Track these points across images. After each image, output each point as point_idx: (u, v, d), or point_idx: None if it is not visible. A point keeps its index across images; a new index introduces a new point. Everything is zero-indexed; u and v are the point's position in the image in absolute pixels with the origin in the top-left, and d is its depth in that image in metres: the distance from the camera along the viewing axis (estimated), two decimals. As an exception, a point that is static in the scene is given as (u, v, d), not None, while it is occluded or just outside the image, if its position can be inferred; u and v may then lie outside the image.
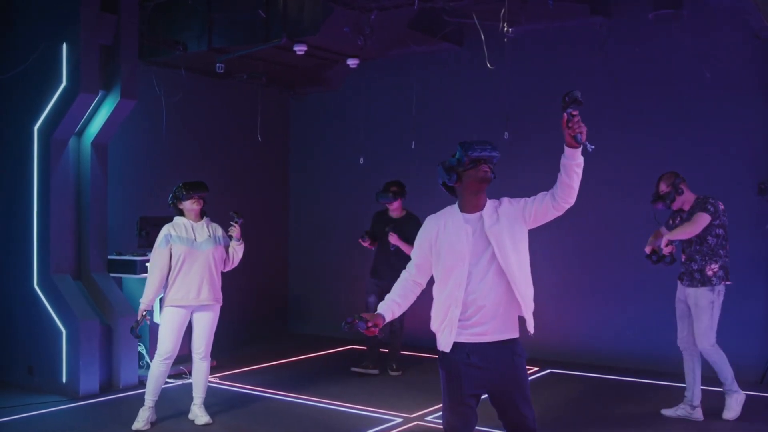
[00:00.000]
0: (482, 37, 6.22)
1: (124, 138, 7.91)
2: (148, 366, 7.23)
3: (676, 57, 7.65)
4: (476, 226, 3.55)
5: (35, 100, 7.01)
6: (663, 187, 6.00)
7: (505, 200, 3.65)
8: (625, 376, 7.33)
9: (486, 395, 3.64)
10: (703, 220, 5.75)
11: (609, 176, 7.93)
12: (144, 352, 7.33)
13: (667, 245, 5.77)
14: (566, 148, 3.33)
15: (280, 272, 10.30)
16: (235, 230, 5.80)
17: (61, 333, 6.87)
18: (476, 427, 3.66)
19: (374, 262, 7.55)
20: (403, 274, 3.80)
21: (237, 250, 5.86)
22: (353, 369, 7.50)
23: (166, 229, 5.65)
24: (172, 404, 6.33)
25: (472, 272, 3.50)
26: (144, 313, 5.62)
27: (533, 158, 7.95)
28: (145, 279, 7.11)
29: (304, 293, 10.22)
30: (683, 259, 6.00)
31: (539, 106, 8.30)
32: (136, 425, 5.70)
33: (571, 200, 3.45)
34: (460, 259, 3.51)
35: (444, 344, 3.57)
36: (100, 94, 6.97)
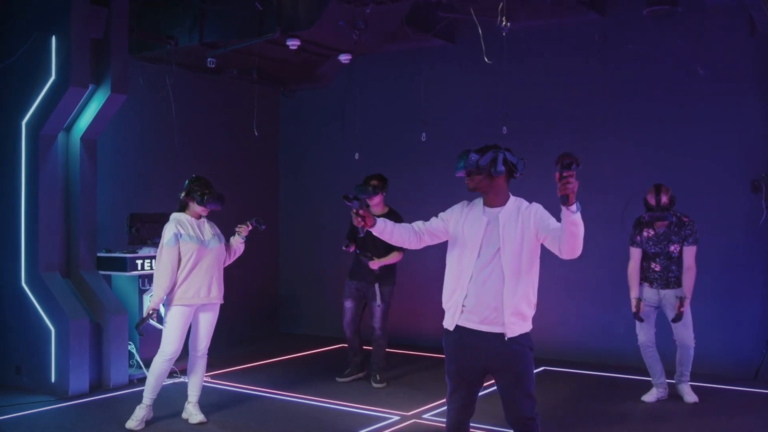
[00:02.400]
0: (480, 31, 6.17)
1: (114, 133, 7.78)
2: (139, 365, 7.18)
3: (670, 54, 7.65)
4: (492, 221, 3.74)
5: (23, 94, 6.87)
6: (665, 199, 6.04)
7: (535, 207, 3.78)
8: (617, 374, 7.30)
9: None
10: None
11: (604, 174, 7.92)
12: (134, 351, 7.21)
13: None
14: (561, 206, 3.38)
15: (271, 272, 10.21)
16: (244, 229, 5.78)
17: (50, 332, 6.75)
18: (479, 425, 3.64)
19: (354, 263, 7.12)
20: (417, 223, 4.00)
21: (239, 247, 5.87)
22: (338, 379, 7.13)
23: (173, 227, 5.54)
24: (165, 403, 6.20)
25: (476, 263, 3.71)
26: (151, 312, 5.54)
27: (531, 152, 7.93)
28: (134, 277, 7.21)
29: (295, 293, 10.14)
30: (658, 269, 6.17)
31: (536, 101, 8.32)
32: (130, 423, 5.59)
33: (573, 255, 3.57)
34: (472, 248, 3.73)
35: (447, 323, 3.84)
36: (90, 88, 6.85)
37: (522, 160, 3.79)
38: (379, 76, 9.29)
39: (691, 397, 6.23)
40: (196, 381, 5.82)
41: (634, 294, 6.25)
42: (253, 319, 9.78)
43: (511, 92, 8.14)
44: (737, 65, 7.42)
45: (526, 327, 3.76)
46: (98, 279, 7.13)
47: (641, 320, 6.20)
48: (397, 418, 5.95)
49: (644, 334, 6.28)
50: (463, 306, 3.75)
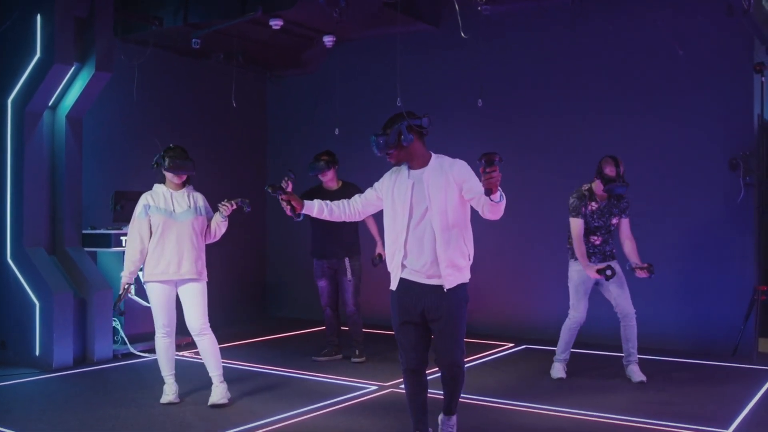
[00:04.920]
0: (456, 7, 6.26)
1: (100, 112, 7.85)
2: (123, 341, 7.26)
3: (649, 34, 7.72)
4: (417, 182, 4.04)
5: (9, 71, 6.97)
6: (622, 169, 6.03)
7: (458, 164, 4.04)
8: (595, 350, 7.33)
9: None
10: None
11: (584, 156, 7.96)
12: (119, 326, 7.28)
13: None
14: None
15: (259, 256, 10.28)
16: (227, 208, 5.43)
17: (34, 306, 6.83)
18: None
19: (318, 242, 6.99)
20: (355, 196, 4.36)
21: (220, 225, 5.52)
22: (315, 358, 7.08)
23: (144, 199, 5.43)
24: (148, 381, 6.26)
25: (410, 223, 4.02)
26: (126, 287, 5.42)
27: (504, 122, 8.36)
28: (120, 253, 7.22)
29: (283, 277, 10.19)
30: (598, 242, 6.14)
31: (511, 75, 8.44)
32: (165, 399, 5.49)
33: (494, 219, 3.92)
34: (402, 210, 4.03)
35: (392, 284, 4.13)
36: (74, 66, 6.95)
37: (425, 117, 4.08)
38: (366, 61, 9.35)
39: (638, 376, 6.12)
40: (208, 360, 5.52)
41: (591, 264, 6.06)
42: (240, 302, 9.83)
43: (491, 73, 8.24)
44: (715, 45, 7.48)
45: (462, 278, 4.06)
46: (83, 255, 7.20)
47: (613, 274, 5.97)
48: (374, 387, 6.03)
49: (583, 309, 6.20)
50: (403, 265, 4.05)
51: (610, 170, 6.00)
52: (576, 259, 6.17)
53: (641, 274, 6.05)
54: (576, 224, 6.08)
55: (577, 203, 6.09)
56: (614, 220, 6.16)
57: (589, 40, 8.00)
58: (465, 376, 4.22)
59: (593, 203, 6.11)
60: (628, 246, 6.15)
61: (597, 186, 6.10)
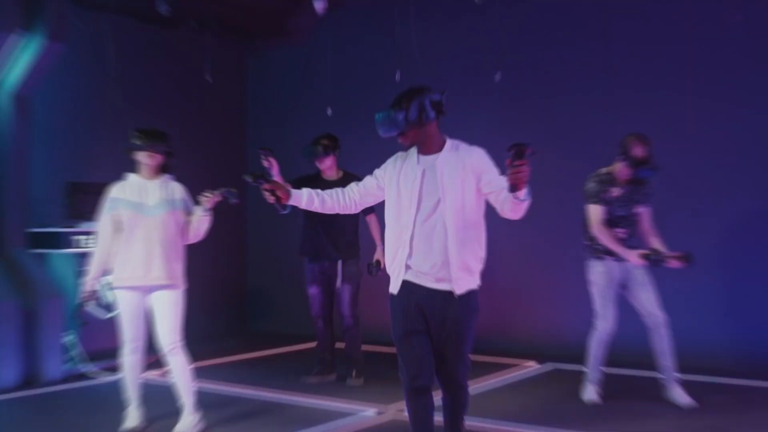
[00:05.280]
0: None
1: (51, 90, 7.38)
2: (78, 359, 6.78)
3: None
4: (429, 168, 3.74)
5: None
6: (649, 149, 5.45)
7: (477, 153, 3.74)
8: (626, 368, 6.74)
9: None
10: None
11: (593, 153, 7.21)
12: (74, 341, 6.72)
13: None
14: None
15: (238, 259, 9.81)
16: (209, 200, 4.93)
17: (-28, 318, 6.29)
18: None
19: (310, 240, 6.46)
20: (352, 184, 3.97)
21: (203, 220, 5.00)
22: (304, 379, 6.50)
23: (112, 191, 4.97)
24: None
25: (417, 217, 3.71)
26: (88, 294, 4.91)
27: (525, 102, 7.85)
28: (74, 254, 6.85)
29: (265, 286, 9.73)
30: (623, 236, 5.55)
31: (535, 45, 7.85)
32: (128, 424, 4.99)
33: (513, 218, 3.67)
34: (409, 202, 3.72)
35: (393, 287, 3.80)
36: (20, 34, 6.42)
37: (443, 92, 3.75)
38: (362, 30, 8.84)
39: (684, 399, 5.51)
40: (178, 384, 5.00)
41: (629, 250, 5.47)
42: (217, 314, 9.29)
43: (511, 42, 7.60)
44: None
45: (474, 283, 3.77)
46: (30, 258, 6.79)
47: (660, 258, 5.36)
48: (373, 412, 5.43)
49: (612, 318, 5.62)
50: (407, 266, 3.74)
51: (639, 150, 5.37)
52: (599, 258, 5.55)
53: (675, 263, 5.37)
54: (597, 211, 5.48)
55: (597, 188, 5.51)
56: (638, 209, 5.57)
57: (608, 13, 7.28)
58: (469, 399, 3.93)
59: (615, 189, 5.51)
60: (655, 242, 5.56)
61: (620, 169, 5.48)
